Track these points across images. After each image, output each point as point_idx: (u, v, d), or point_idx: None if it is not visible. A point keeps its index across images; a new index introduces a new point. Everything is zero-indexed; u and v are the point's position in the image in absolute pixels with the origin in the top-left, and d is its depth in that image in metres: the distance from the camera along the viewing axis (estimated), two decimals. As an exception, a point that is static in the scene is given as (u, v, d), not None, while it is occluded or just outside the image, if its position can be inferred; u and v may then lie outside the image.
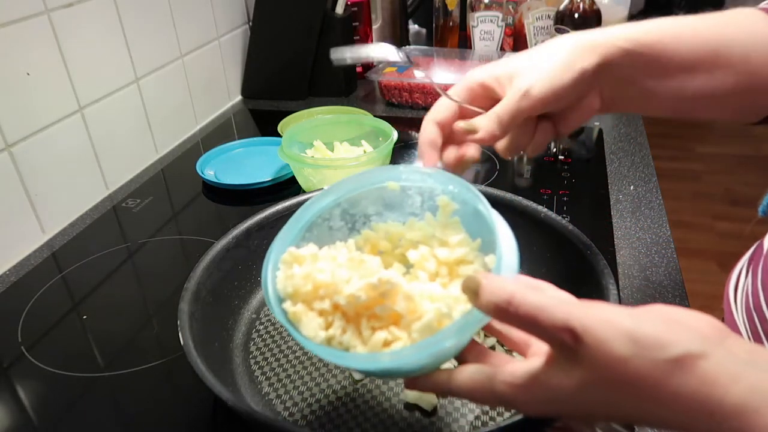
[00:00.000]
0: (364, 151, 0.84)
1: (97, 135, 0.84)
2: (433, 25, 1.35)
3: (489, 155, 0.90)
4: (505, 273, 0.35)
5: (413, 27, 1.65)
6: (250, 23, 1.22)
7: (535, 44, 1.27)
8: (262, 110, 1.17)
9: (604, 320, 0.29)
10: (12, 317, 0.63)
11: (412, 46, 1.29)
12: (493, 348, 0.47)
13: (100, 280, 0.69)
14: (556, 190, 0.80)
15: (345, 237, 0.46)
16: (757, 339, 0.55)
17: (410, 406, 0.48)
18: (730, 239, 2.24)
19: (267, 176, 0.84)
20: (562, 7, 1.16)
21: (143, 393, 0.53)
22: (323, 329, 0.38)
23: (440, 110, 0.47)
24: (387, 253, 0.45)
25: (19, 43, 0.71)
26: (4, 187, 0.70)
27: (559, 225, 0.57)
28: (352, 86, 1.21)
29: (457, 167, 0.48)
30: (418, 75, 1.06)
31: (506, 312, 0.31)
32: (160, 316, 0.63)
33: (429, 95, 1.09)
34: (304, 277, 0.38)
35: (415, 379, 0.37)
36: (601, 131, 0.99)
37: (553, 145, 0.88)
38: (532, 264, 0.54)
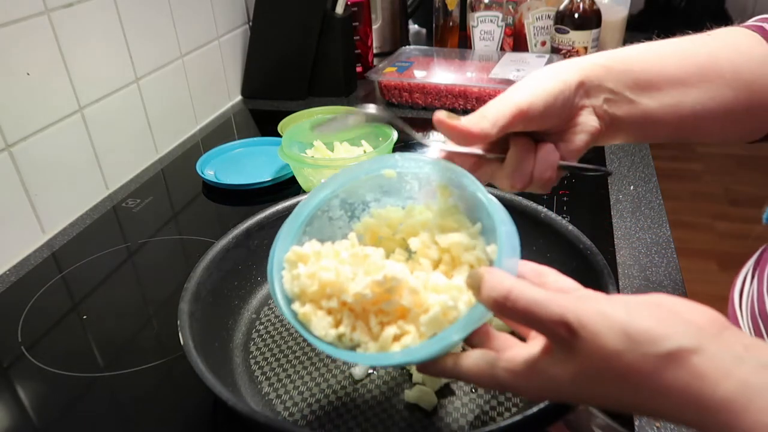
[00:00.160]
0: (364, 151, 0.84)
1: (97, 135, 0.84)
2: (433, 25, 1.35)
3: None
4: (507, 260, 0.36)
5: (413, 27, 1.65)
6: (250, 23, 1.22)
7: (535, 44, 1.27)
8: (262, 110, 1.17)
9: (599, 314, 0.30)
10: (12, 317, 0.63)
11: (412, 46, 1.29)
12: None
13: (100, 280, 0.69)
14: (556, 190, 0.80)
15: (345, 226, 0.46)
16: None
17: (410, 406, 0.48)
18: (730, 239, 2.24)
19: (267, 176, 0.84)
20: (562, 7, 1.16)
21: (143, 393, 0.53)
22: (333, 327, 0.38)
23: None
24: (387, 239, 0.46)
25: (19, 43, 0.71)
26: (4, 187, 0.70)
27: (559, 225, 0.57)
28: (352, 86, 1.21)
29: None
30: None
31: (504, 306, 0.33)
32: (160, 316, 0.63)
33: (429, 95, 1.09)
34: (310, 276, 0.39)
35: (424, 364, 0.39)
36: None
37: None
38: (532, 264, 0.54)
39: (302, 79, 1.17)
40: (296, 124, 0.93)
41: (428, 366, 0.38)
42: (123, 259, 0.72)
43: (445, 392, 0.49)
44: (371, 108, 0.47)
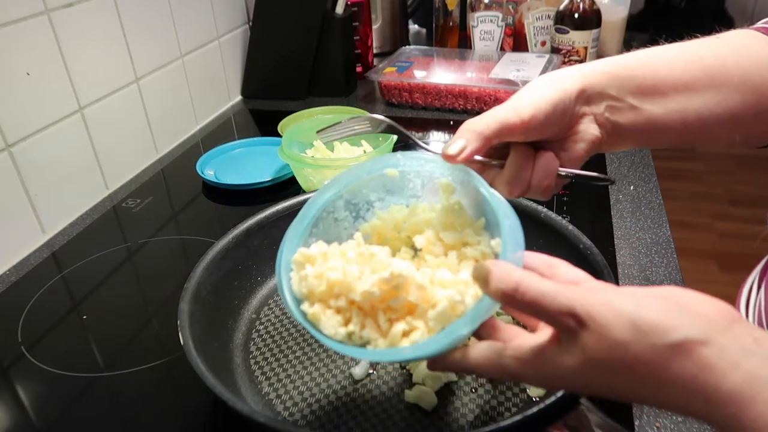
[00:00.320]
0: (364, 151, 0.84)
1: (97, 135, 0.84)
2: (433, 25, 1.35)
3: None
4: (512, 253, 0.36)
5: (413, 27, 1.65)
6: (250, 23, 1.22)
7: (535, 44, 1.27)
8: (262, 110, 1.17)
9: (607, 305, 0.31)
10: (12, 317, 0.63)
11: (412, 46, 1.29)
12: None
13: (100, 280, 0.69)
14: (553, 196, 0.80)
15: (350, 226, 0.46)
16: None
17: (410, 406, 0.48)
18: (730, 239, 2.24)
19: (267, 176, 0.84)
20: (562, 7, 1.16)
21: (143, 393, 0.53)
22: (342, 326, 0.39)
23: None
24: (393, 238, 0.46)
25: (19, 43, 0.71)
26: (4, 187, 0.70)
27: (559, 225, 0.57)
28: (352, 86, 1.21)
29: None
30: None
31: (513, 298, 0.33)
32: (160, 316, 0.63)
33: (429, 95, 1.09)
34: (317, 276, 0.39)
35: (433, 361, 0.39)
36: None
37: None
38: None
39: (302, 79, 1.17)
40: (296, 124, 0.93)
41: (437, 361, 0.39)
42: (123, 259, 0.72)
43: (445, 392, 0.49)
44: (378, 116, 0.48)
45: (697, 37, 0.47)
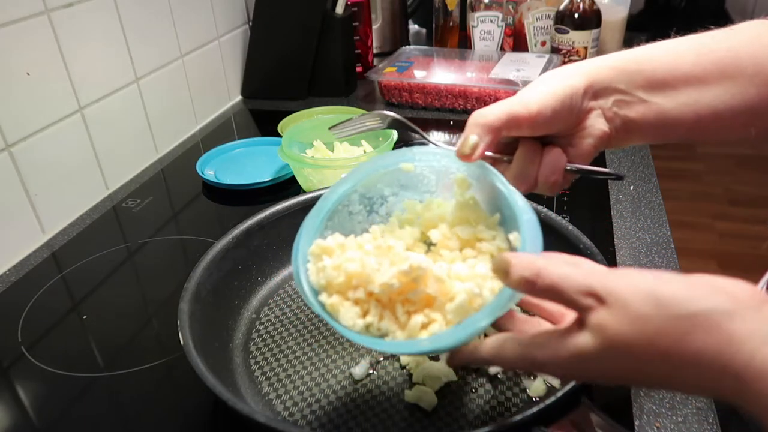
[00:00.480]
0: (364, 151, 0.84)
1: (97, 135, 0.84)
2: (433, 25, 1.35)
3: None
4: (531, 247, 0.36)
5: (413, 27, 1.65)
6: (250, 23, 1.22)
7: (535, 44, 1.27)
8: (262, 110, 1.17)
9: (626, 281, 0.30)
10: (12, 317, 0.63)
11: (412, 46, 1.29)
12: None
13: (100, 280, 0.69)
14: (552, 194, 0.80)
15: (364, 220, 0.47)
16: None
17: (410, 406, 0.48)
18: (730, 239, 2.23)
19: (267, 176, 0.84)
20: (562, 7, 1.16)
21: (143, 393, 0.53)
22: (360, 317, 0.39)
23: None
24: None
25: (19, 43, 0.71)
26: (4, 187, 0.70)
27: (559, 225, 0.57)
28: (352, 86, 1.21)
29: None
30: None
31: (534, 284, 0.33)
32: (160, 316, 0.63)
33: (429, 95, 1.09)
34: (335, 268, 0.40)
35: (452, 355, 0.39)
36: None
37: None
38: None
39: (302, 79, 1.17)
40: (296, 124, 0.93)
41: (457, 354, 0.38)
42: (123, 259, 0.72)
43: (445, 392, 0.49)
44: (389, 113, 0.48)
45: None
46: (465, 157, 0.41)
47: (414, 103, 1.11)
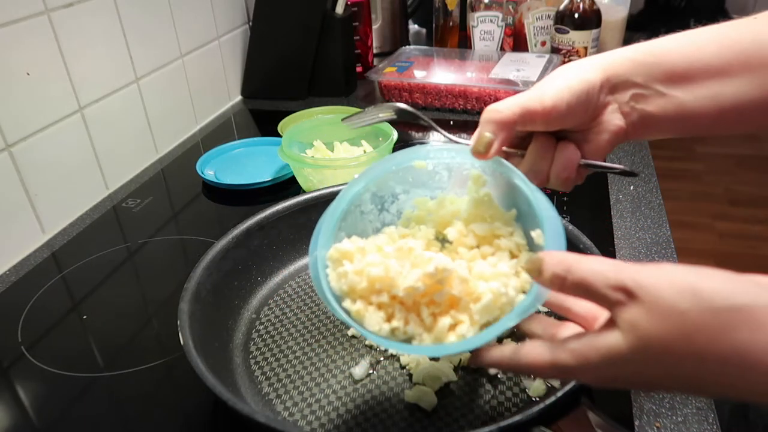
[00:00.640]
0: (364, 151, 0.84)
1: (97, 135, 0.84)
2: (433, 25, 1.35)
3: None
4: (555, 243, 0.36)
5: (413, 27, 1.65)
6: (250, 23, 1.22)
7: (535, 44, 1.27)
8: (262, 110, 1.17)
9: (659, 273, 0.28)
10: (12, 317, 0.63)
11: (412, 46, 1.29)
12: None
13: (100, 280, 0.69)
14: (556, 190, 0.80)
15: (375, 219, 0.46)
16: None
17: (410, 406, 0.48)
18: (730, 239, 2.23)
19: (267, 176, 0.84)
20: (562, 7, 1.16)
21: (143, 393, 0.53)
22: (386, 322, 0.38)
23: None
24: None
25: (19, 43, 0.71)
26: (4, 187, 0.70)
27: (559, 225, 0.57)
28: (352, 86, 1.21)
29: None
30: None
31: (564, 280, 0.32)
32: (160, 316, 0.63)
33: (429, 95, 1.09)
34: (357, 273, 0.39)
35: (482, 357, 0.38)
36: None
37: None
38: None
39: (302, 79, 1.17)
40: (296, 124, 0.93)
41: (480, 358, 0.38)
42: (123, 259, 0.72)
43: (445, 392, 0.49)
44: (402, 105, 0.49)
45: None
46: (480, 155, 0.41)
47: (414, 103, 1.11)
